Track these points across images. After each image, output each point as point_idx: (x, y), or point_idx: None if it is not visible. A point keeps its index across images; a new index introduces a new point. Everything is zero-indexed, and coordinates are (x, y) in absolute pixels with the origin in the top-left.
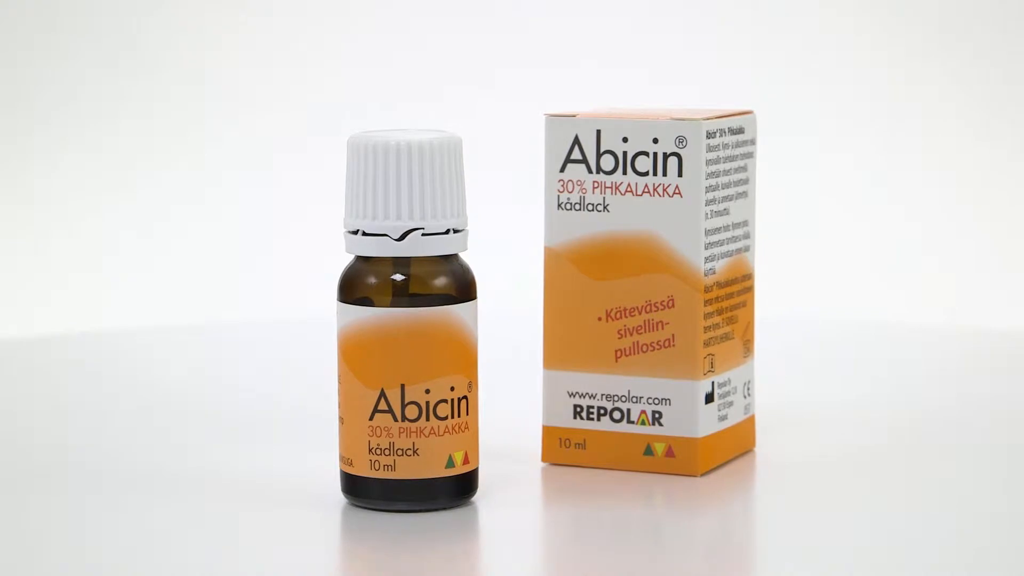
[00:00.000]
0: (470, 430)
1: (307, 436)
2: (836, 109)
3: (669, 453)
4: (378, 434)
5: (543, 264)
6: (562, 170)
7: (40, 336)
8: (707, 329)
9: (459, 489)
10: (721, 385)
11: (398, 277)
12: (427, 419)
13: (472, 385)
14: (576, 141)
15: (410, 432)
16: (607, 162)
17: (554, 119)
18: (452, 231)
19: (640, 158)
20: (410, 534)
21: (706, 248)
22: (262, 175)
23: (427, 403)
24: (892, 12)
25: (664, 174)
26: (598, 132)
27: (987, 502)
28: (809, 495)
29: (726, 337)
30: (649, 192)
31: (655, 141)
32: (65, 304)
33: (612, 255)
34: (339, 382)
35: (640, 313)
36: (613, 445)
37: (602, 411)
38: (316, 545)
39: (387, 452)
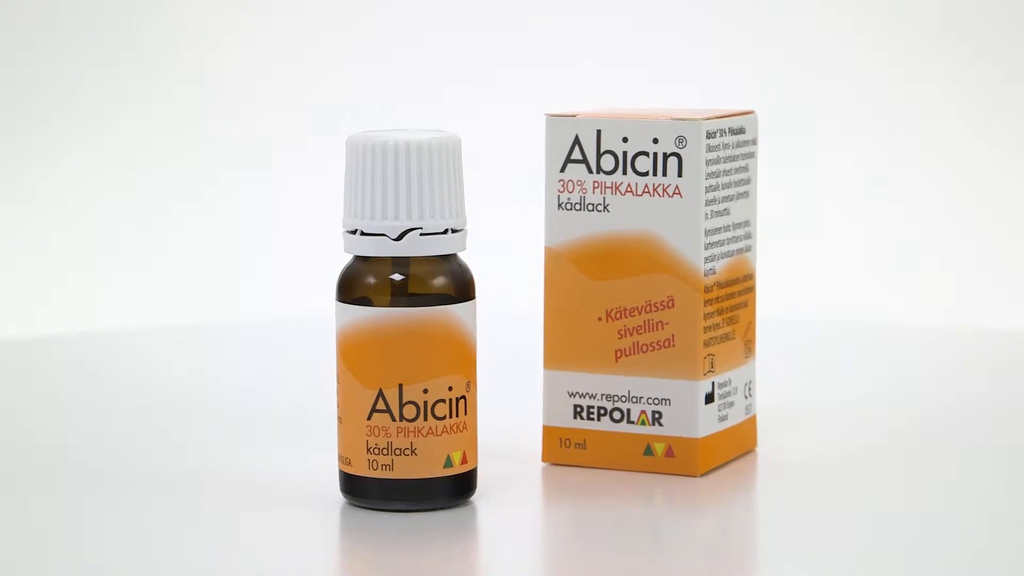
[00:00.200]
0: (468, 430)
1: (307, 436)
2: (836, 109)
3: (669, 453)
4: (376, 434)
5: (543, 264)
6: (562, 170)
7: (40, 336)
8: (707, 329)
9: (457, 489)
10: (721, 385)
11: (397, 277)
12: (425, 419)
13: (471, 385)
14: (576, 141)
15: (408, 432)
16: (607, 162)
17: (554, 119)
18: (450, 231)
19: (640, 158)
20: (409, 534)
21: (706, 248)
22: (262, 175)
23: (425, 403)
24: (892, 12)
25: (664, 174)
26: (598, 132)
27: (987, 502)
28: (809, 495)
29: (726, 337)
30: (649, 192)
31: (655, 141)
32: (65, 304)
33: (612, 255)
34: (338, 382)
35: (640, 313)
36: (613, 445)
37: (602, 411)
38: (315, 545)
39: (385, 452)
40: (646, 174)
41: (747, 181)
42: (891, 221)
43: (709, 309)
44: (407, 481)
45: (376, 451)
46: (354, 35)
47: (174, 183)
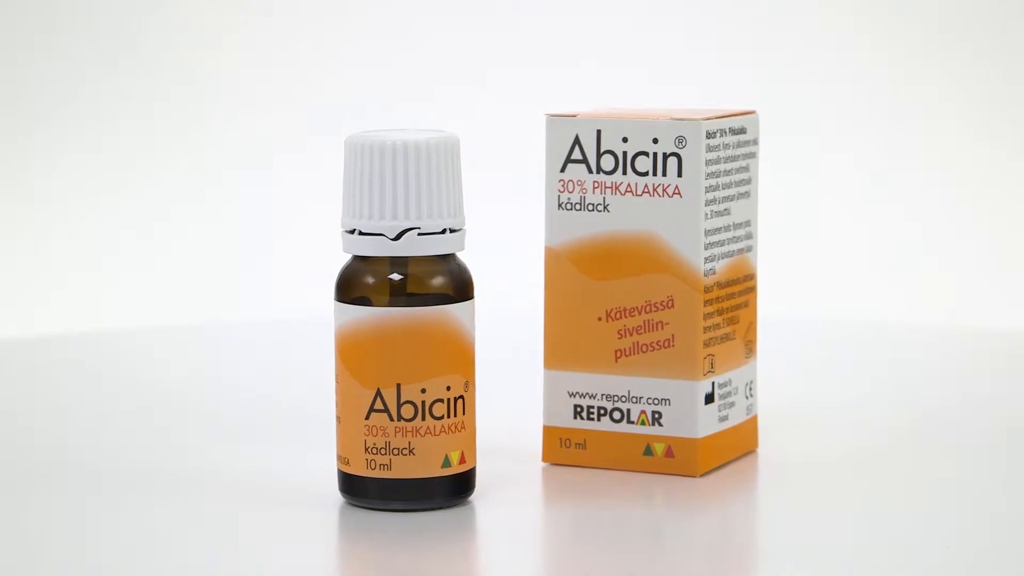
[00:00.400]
0: (467, 430)
1: (307, 436)
2: (836, 109)
3: (669, 453)
4: (374, 433)
5: (543, 264)
6: (562, 170)
7: (40, 336)
8: (707, 329)
9: (456, 489)
10: (722, 386)
11: (395, 277)
12: (423, 419)
13: (469, 385)
14: (576, 141)
15: (406, 431)
16: (607, 162)
17: (555, 119)
18: (449, 231)
19: (640, 158)
20: (408, 534)
21: (706, 248)
22: (262, 175)
23: (423, 402)
24: (892, 12)
25: (664, 174)
26: (598, 132)
27: (987, 502)
28: (809, 495)
29: (727, 337)
30: (649, 192)
31: (655, 141)
32: (65, 304)
33: (612, 255)
34: (336, 381)
35: (640, 313)
36: (613, 445)
37: (602, 411)
38: (314, 545)
39: (383, 451)
40: (646, 174)
41: (748, 181)
42: (891, 221)
43: (709, 309)
44: (405, 481)
45: (374, 451)
46: (354, 35)
47: (174, 183)
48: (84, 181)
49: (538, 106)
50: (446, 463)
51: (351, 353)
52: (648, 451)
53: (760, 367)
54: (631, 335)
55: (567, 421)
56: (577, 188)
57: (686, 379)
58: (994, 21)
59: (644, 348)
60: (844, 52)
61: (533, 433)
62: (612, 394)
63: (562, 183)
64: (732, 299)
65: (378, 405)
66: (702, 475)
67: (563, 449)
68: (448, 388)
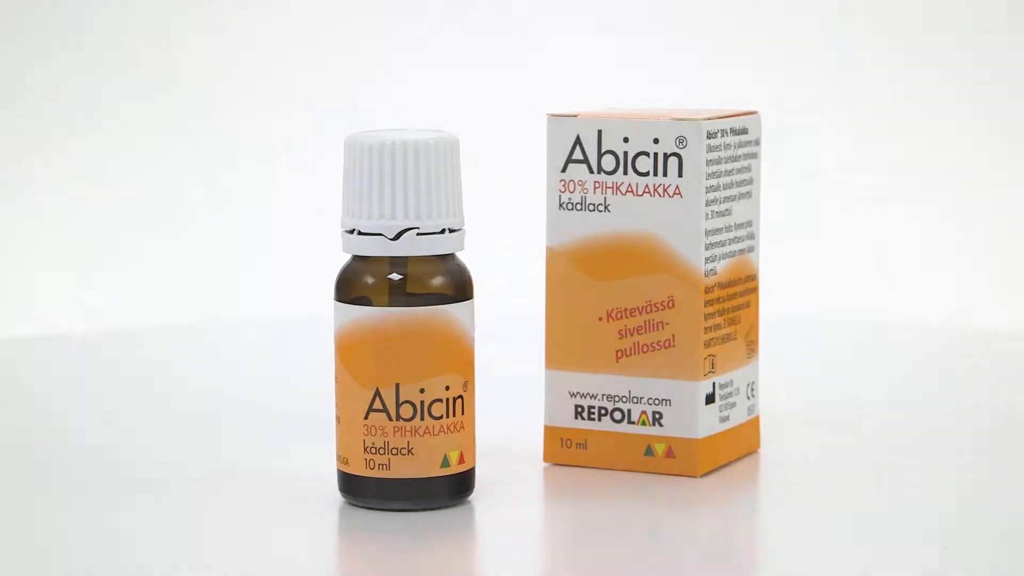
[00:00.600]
0: (466, 429)
1: (306, 436)
2: (836, 109)
3: (669, 454)
4: (373, 433)
5: (544, 264)
6: (563, 170)
7: (40, 336)
8: (708, 330)
9: (455, 488)
10: (723, 386)
11: (395, 276)
12: (422, 418)
13: (468, 384)
14: (577, 141)
15: (405, 431)
16: (608, 162)
17: (556, 119)
18: (448, 231)
19: (641, 158)
20: (408, 533)
21: (707, 248)
22: (262, 175)
23: (422, 402)
24: (892, 12)
25: (664, 174)
26: (599, 132)
27: (987, 502)
28: (809, 495)
29: (728, 338)
30: (650, 192)
31: (656, 141)
32: (65, 304)
33: (613, 255)
34: (336, 381)
35: (641, 313)
36: (614, 445)
37: (603, 411)
38: (314, 544)
39: (382, 451)
40: (647, 174)
41: (749, 181)
42: (892, 221)
43: (710, 309)
44: (404, 481)
45: (373, 450)
46: (354, 35)
47: (174, 183)
48: (83, 180)
49: (538, 106)
50: (445, 463)
51: (350, 353)
52: (649, 451)
53: (761, 367)
54: (632, 335)
55: (568, 421)
56: (578, 188)
57: (687, 379)
58: (994, 21)
59: (645, 348)
60: (845, 52)
61: (534, 433)
62: (613, 394)
63: (563, 183)
64: (733, 299)
65: (377, 405)
66: (702, 475)
67: (564, 449)
68: (447, 388)
